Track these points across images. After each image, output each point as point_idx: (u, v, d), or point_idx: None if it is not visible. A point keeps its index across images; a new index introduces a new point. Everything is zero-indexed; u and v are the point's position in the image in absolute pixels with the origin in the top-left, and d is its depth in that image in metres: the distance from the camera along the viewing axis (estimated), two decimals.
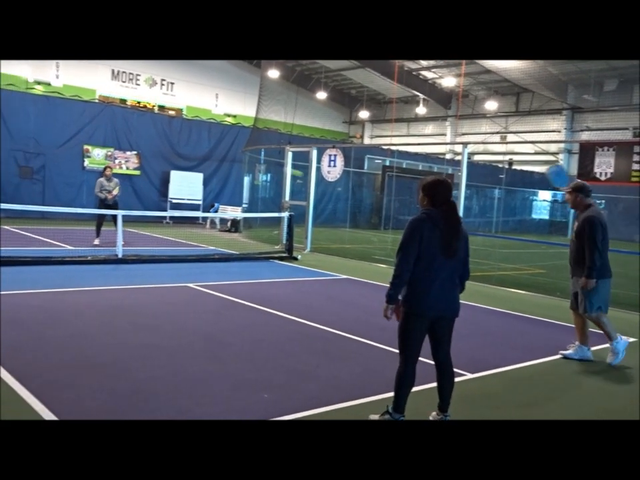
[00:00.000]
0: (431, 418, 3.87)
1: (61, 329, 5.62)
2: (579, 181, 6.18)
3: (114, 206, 11.83)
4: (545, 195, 30.65)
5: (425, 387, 4.31)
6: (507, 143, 31.03)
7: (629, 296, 8.94)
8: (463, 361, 5.34)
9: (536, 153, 30.25)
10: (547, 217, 30.90)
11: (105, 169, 12.46)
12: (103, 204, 11.94)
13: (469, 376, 4.99)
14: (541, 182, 29.32)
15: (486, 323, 7.46)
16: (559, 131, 29.19)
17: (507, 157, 31.18)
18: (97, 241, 11.80)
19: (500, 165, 29.26)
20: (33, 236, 12.98)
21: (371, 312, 7.39)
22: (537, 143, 29.66)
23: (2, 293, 6.91)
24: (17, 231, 13.68)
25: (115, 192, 11.99)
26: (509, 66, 25.65)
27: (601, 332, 5.77)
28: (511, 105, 31.32)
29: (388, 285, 3.62)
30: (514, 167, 30.36)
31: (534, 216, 30.52)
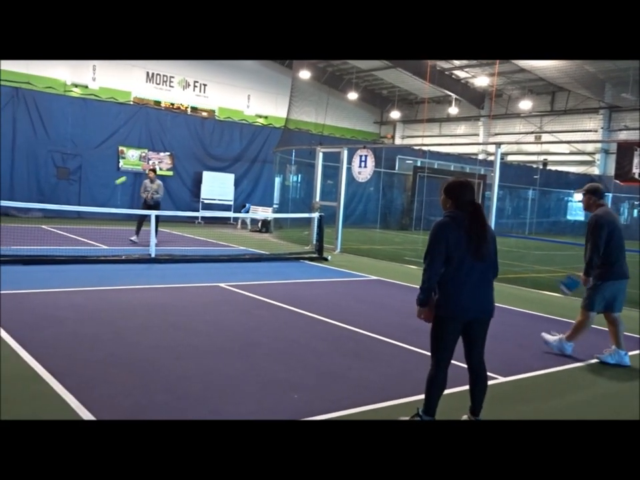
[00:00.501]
0: None
1: (95, 326, 5.73)
2: (593, 183, 6.20)
3: (155, 206, 12.13)
4: (580, 196, 29.98)
5: (457, 389, 4.26)
6: (541, 142, 30.51)
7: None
8: (495, 364, 5.26)
9: (572, 153, 29.66)
10: (582, 219, 30.21)
11: (148, 171, 12.91)
12: (145, 204, 12.32)
13: (501, 379, 4.91)
14: (577, 183, 28.73)
15: (520, 325, 7.33)
16: (596, 131, 28.56)
17: (542, 157, 30.64)
18: (133, 237, 12.19)
19: (534, 166, 28.79)
20: (69, 235, 13.28)
21: (402, 313, 7.34)
22: (573, 143, 29.07)
23: (39, 291, 7.12)
24: (54, 230, 14.02)
25: (157, 194, 12.35)
26: (544, 65, 25.20)
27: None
28: (546, 104, 30.77)
29: (418, 287, 3.60)
30: (548, 167, 29.81)
31: (569, 217, 29.91)
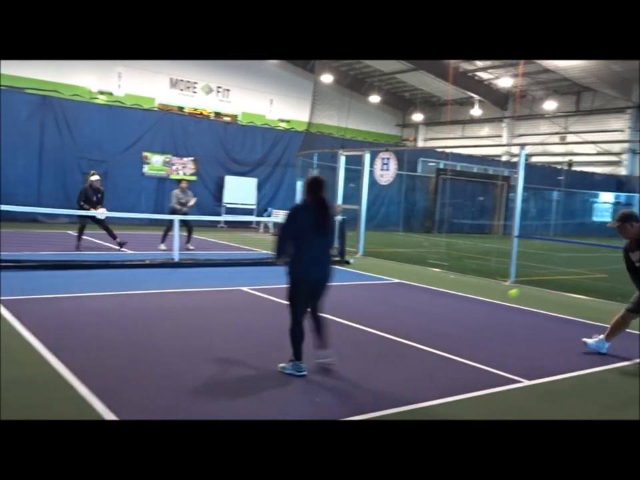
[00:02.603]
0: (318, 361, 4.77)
1: (119, 330, 5.81)
2: (624, 209, 6.11)
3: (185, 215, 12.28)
4: (606, 197, 29.48)
5: (484, 392, 4.22)
6: (566, 143, 30.07)
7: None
8: (519, 367, 5.20)
9: (598, 154, 29.17)
10: (609, 220, 29.70)
11: (179, 181, 13.15)
12: (177, 214, 12.33)
13: (525, 383, 4.84)
14: (603, 183, 28.26)
15: (545, 329, 7.23)
16: (623, 130, 28.05)
17: (567, 158, 30.19)
18: (162, 246, 12.21)
19: (559, 167, 28.38)
20: (95, 240, 13.48)
21: (426, 316, 7.30)
22: (599, 143, 28.58)
23: (65, 295, 7.25)
24: None
25: (191, 203, 12.52)
26: (569, 64, 24.87)
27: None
28: (571, 105, 30.33)
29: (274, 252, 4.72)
30: (574, 168, 29.37)
31: (595, 218, 29.39)
